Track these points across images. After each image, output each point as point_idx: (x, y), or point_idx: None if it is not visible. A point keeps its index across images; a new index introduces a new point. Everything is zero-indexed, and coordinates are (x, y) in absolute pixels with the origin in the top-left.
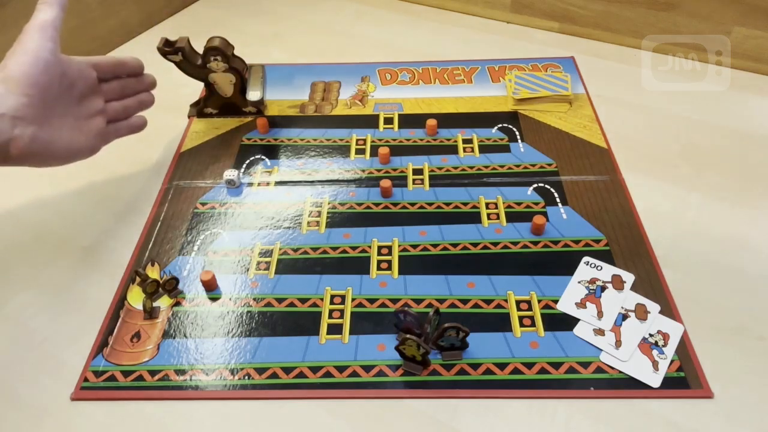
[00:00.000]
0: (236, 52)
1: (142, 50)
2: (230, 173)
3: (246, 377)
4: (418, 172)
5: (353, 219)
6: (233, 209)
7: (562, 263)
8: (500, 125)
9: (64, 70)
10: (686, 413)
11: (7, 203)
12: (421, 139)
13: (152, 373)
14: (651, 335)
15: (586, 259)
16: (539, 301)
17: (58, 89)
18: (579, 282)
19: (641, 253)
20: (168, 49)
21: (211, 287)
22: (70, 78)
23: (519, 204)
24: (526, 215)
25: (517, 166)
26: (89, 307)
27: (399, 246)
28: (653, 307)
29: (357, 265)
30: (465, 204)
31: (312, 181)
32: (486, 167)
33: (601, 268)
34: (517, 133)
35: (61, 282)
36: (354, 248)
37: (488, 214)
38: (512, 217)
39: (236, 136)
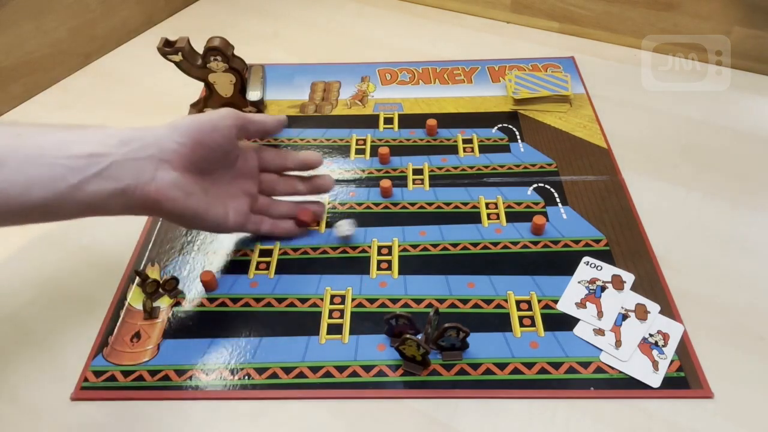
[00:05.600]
0: (236, 52)
1: (142, 50)
2: (347, 227)
3: (246, 377)
4: (418, 172)
5: (353, 219)
6: None
7: (562, 263)
8: (500, 125)
9: (230, 150)
10: (686, 413)
11: None
12: (421, 139)
13: (152, 373)
14: (651, 335)
15: (586, 259)
16: (539, 301)
17: (215, 158)
18: (579, 282)
19: (641, 253)
20: (168, 49)
21: (211, 287)
22: (232, 157)
23: (519, 204)
24: (526, 215)
25: (517, 166)
26: (89, 307)
27: (399, 246)
28: (653, 307)
29: (357, 265)
30: (465, 204)
31: None
32: (486, 167)
33: (601, 268)
34: (517, 133)
35: (61, 282)
36: (354, 248)
37: (488, 214)
38: (512, 217)
39: None
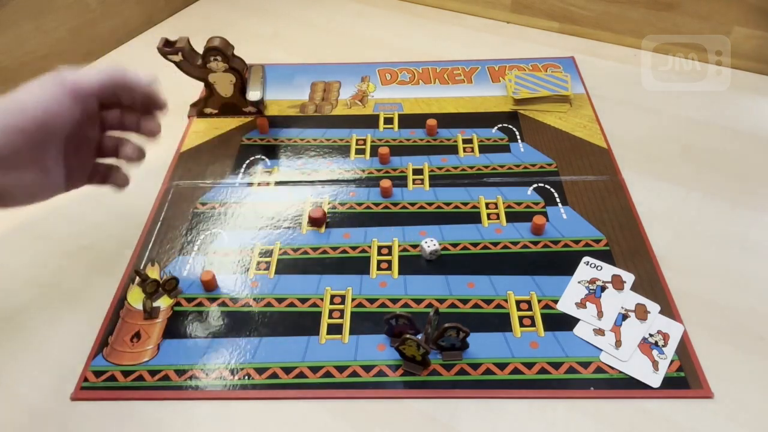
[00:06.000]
0: (236, 52)
1: (142, 50)
2: (431, 244)
3: (246, 377)
4: (418, 172)
5: (353, 219)
6: (233, 209)
7: (562, 263)
8: (500, 125)
9: (69, 115)
10: (686, 413)
11: None
12: (421, 139)
13: (152, 373)
14: (651, 335)
15: (586, 259)
16: (539, 301)
17: (49, 133)
18: (579, 282)
19: (641, 253)
20: (168, 49)
21: (211, 287)
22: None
23: (519, 204)
24: (526, 215)
25: (517, 166)
26: (89, 307)
27: (399, 246)
28: (653, 307)
29: (357, 265)
30: (465, 204)
31: (312, 181)
32: (486, 167)
33: (601, 268)
34: (517, 133)
35: (61, 282)
36: (354, 248)
37: (488, 214)
38: (512, 217)
39: (236, 136)
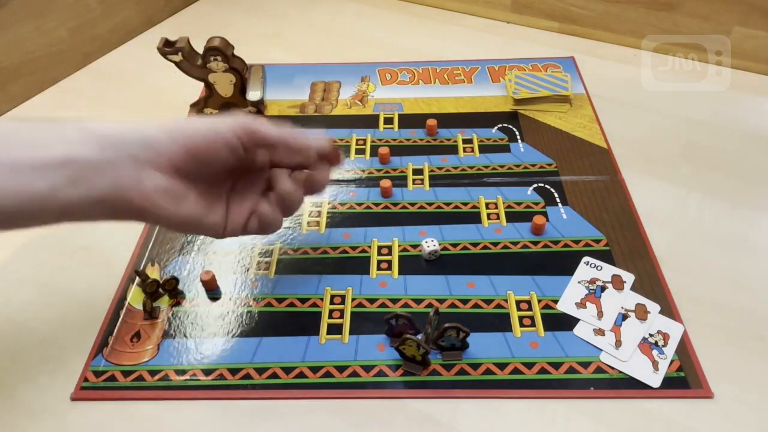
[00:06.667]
0: (236, 52)
1: (142, 50)
2: (431, 244)
3: (246, 377)
4: (418, 172)
5: (353, 219)
6: None
7: (562, 263)
8: (500, 125)
9: (234, 162)
10: (686, 413)
11: None
12: (421, 139)
13: (152, 373)
14: (651, 335)
15: (586, 259)
16: (539, 301)
17: (213, 170)
18: (579, 282)
19: (641, 253)
20: (168, 49)
21: (211, 287)
22: (238, 165)
23: (519, 204)
24: (526, 215)
25: (517, 166)
26: (89, 307)
27: (399, 246)
28: (653, 307)
29: (357, 265)
30: (465, 204)
31: None
32: (486, 167)
33: (601, 268)
34: (517, 133)
35: (61, 282)
36: (354, 248)
37: (488, 214)
38: (512, 217)
39: None
